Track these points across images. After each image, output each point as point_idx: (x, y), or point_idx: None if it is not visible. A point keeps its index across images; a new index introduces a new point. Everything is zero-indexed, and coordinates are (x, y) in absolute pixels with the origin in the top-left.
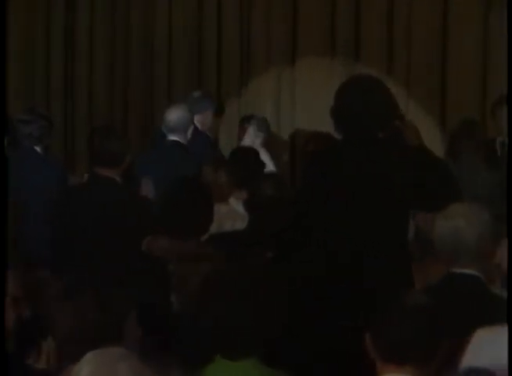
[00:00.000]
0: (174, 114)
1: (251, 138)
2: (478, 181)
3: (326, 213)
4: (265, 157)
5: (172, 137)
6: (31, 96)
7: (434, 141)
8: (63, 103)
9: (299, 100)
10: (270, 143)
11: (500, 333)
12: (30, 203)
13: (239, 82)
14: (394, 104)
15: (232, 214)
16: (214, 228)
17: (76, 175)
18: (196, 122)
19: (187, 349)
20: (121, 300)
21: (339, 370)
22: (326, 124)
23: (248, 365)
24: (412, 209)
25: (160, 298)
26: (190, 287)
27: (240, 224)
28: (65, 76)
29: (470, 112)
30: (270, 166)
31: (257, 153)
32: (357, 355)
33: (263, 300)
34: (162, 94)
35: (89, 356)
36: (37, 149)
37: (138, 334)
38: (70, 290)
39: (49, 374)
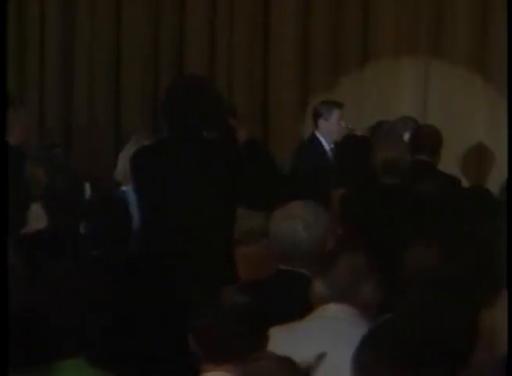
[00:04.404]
0: None
1: None
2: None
3: (154, 209)
4: None
5: None
6: None
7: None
8: None
9: None
10: None
11: (294, 329)
12: None
13: None
14: (224, 104)
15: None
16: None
17: None
18: None
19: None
20: None
21: (164, 369)
22: None
23: (72, 365)
24: (240, 207)
25: None
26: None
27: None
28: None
29: None
30: None
31: None
32: (183, 354)
33: (86, 300)
34: None
35: None
36: None
37: None
38: None
39: None
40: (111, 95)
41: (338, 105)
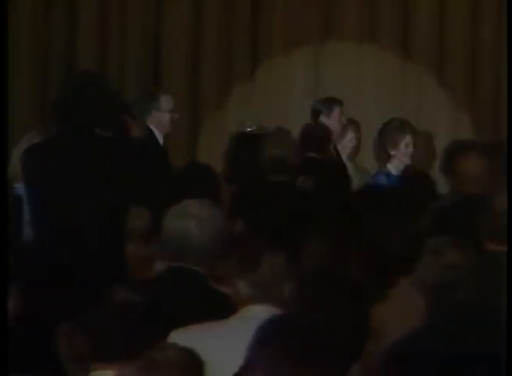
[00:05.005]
0: None
1: None
2: None
3: (43, 207)
4: None
5: None
6: None
7: None
8: None
9: None
10: None
11: (217, 328)
12: None
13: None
14: (117, 101)
15: None
16: None
17: None
18: None
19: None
20: None
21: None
22: None
23: None
24: (133, 205)
25: None
26: None
27: None
28: None
29: None
30: None
31: None
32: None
33: None
34: None
35: None
36: None
37: None
38: None
39: None
40: None
41: (338, 102)
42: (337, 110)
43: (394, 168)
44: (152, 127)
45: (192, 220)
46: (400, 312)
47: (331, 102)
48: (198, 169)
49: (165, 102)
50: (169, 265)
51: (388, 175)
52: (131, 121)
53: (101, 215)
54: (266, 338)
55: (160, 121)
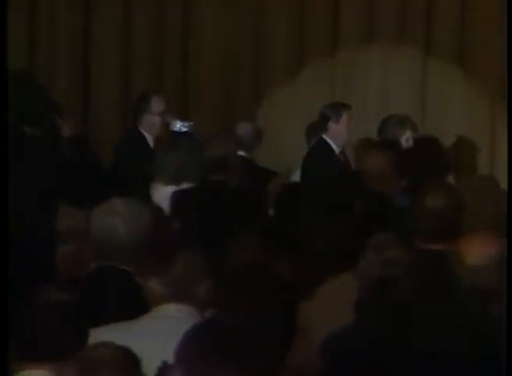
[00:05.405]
0: None
1: None
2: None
3: None
4: None
5: None
6: None
7: None
8: None
9: None
10: None
11: (132, 327)
12: None
13: None
14: (46, 100)
15: None
16: None
17: None
18: None
19: None
20: None
21: None
22: None
23: None
24: (61, 205)
25: None
26: None
27: None
28: None
29: None
30: None
31: None
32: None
33: None
34: None
35: None
36: None
37: None
38: None
39: None
40: None
41: (346, 107)
42: (345, 115)
43: None
44: (142, 130)
45: (118, 218)
46: (330, 309)
47: (339, 107)
48: (126, 168)
49: (156, 104)
50: (98, 264)
51: None
52: (60, 120)
53: (30, 215)
54: (188, 337)
55: (151, 124)
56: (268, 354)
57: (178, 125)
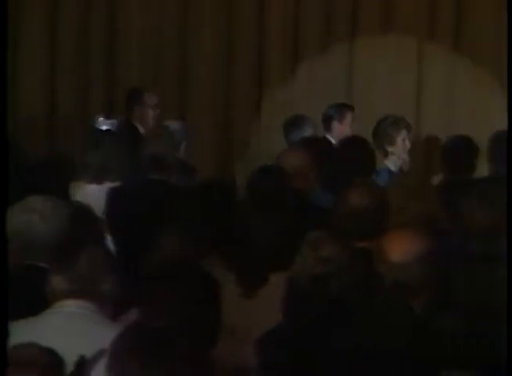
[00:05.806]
0: None
1: None
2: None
3: None
4: None
5: None
6: None
7: None
8: None
9: None
10: None
11: (33, 324)
12: None
13: None
14: None
15: None
16: None
17: None
18: None
19: None
20: None
21: None
22: None
23: None
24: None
25: None
26: None
27: None
28: None
29: None
30: None
31: None
32: None
33: None
34: None
35: None
36: None
37: None
38: None
39: None
40: None
41: (349, 107)
42: (349, 116)
43: (392, 164)
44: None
45: (35, 215)
46: (265, 309)
47: (343, 108)
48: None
49: (148, 98)
50: (18, 263)
51: (389, 172)
52: None
53: None
54: (116, 339)
55: (143, 117)
56: (194, 351)
57: (101, 123)
